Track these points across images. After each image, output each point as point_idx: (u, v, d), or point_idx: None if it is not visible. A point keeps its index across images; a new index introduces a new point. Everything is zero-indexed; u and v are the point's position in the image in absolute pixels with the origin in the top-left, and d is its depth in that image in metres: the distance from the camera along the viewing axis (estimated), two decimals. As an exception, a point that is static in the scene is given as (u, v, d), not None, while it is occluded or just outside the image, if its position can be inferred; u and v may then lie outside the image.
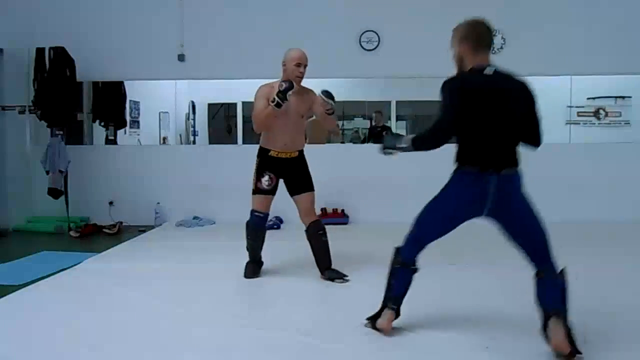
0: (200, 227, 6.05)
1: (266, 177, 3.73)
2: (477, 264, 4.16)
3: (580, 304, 3.18)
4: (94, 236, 5.76)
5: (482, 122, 2.54)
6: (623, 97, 6.81)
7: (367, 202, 6.21)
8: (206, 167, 6.42)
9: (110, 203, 6.31)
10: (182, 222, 6.17)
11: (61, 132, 6.02)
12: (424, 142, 2.63)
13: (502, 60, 6.81)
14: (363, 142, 7.93)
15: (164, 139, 7.87)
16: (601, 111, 6.77)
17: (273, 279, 3.84)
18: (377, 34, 6.25)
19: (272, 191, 3.78)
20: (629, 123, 6.86)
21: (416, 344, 2.67)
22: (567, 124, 6.75)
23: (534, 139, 2.75)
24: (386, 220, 6.00)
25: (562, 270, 2.61)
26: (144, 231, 5.84)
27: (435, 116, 2.62)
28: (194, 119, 8.22)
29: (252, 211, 3.80)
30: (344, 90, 7.68)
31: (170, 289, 3.62)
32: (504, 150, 2.59)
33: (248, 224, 3.84)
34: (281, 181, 3.82)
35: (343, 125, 8.39)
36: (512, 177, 2.61)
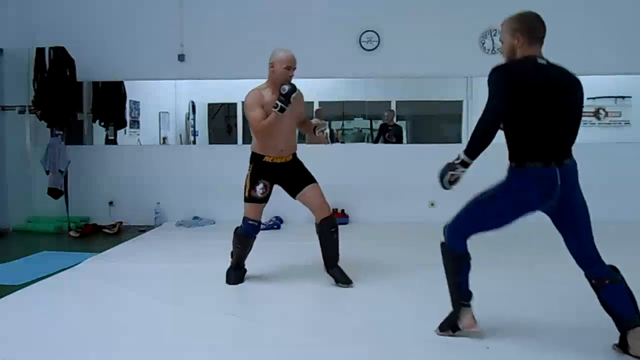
0: (200, 227, 6.05)
1: (261, 185, 3.59)
2: (475, 264, 4.14)
3: (580, 304, 3.18)
4: (94, 236, 5.76)
5: (540, 113, 2.41)
6: (623, 97, 6.81)
7: (367, 202, 6.21)
8: (206, 167, 6.42)
9: (110, 203, 6.31)
10: (182, 222, 6.16)
11: (61, 132, 6.02)
12: (475, 143, 2.46)
13: (502, 60, 6.82)
14: (376, 141, 7.71)
15: (164, 139, 7.87)
16: (601, 111, 6.77)
17: (273, 279, 3.83)
18: (377, 34, 6.25)
19: (265, 199, 3.65)
20: (629, 123, 6.86)
21: (416, 344, 2.67)
22: (567, 124, 6.75)
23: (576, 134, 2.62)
24: (386, 220, 6.01)
25: (616, 269, 2.54)
26: (144, 231, 5.84)
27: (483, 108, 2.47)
28: (194, 119, 8.22)
29: (245, 219, 3.66)
30: (344, 90, 7.71)
31: (170, 289, 3.62)
32: (563, 141, 2.49)
33: (239, 231, 3.70)
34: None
35: (343, 125, 8.39)
36: (572, 167, 2.54)
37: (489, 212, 2.57)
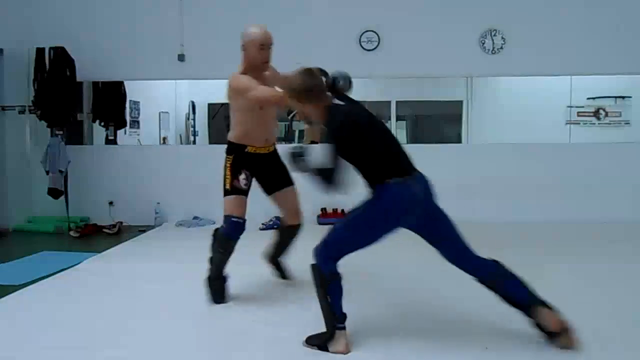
0: (200, 227, 6.05)
1: (243, 175, 3.25)
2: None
3: (580, 304, 3.18)
4: (94, 236, 5.76)
5: (377, 138, 2.60)
6: (623, 97, 6.79)
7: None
8: (206, 167, 6.38)
9: (110, 203, 6.31)
10: (182, 222, 6.17)
11: (61, 132, 6.02)
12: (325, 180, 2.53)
13: (502, 60, 6.87)
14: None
15: (164, 139, 7.85)
16: (601, 111, 6.76)
17: (272, 279, 3.83)
18: (377, 34, 6.25)
19: (247, 192, 3.31)
20: (629, 123, 6.84)
21: (415, 344, 2.67)
22: (567, 124, 6.73)
23: None
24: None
25: (498, 263, 2.65)
26: (144, 231, 5.84)
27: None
28: (194, 119, 8.20)
29: (228, 217, 3.22)
30: (343, 90, 7.69)
31: (170, 289, 3.62)
32: (403, 155, 2.66)
33: (220, 233, 3.27)
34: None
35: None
36: (423, 176, 2.64)
37: (360, 232, 2.57)
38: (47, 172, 5.93)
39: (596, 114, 6.72)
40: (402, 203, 2.52)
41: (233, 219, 3.23)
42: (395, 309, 3.18)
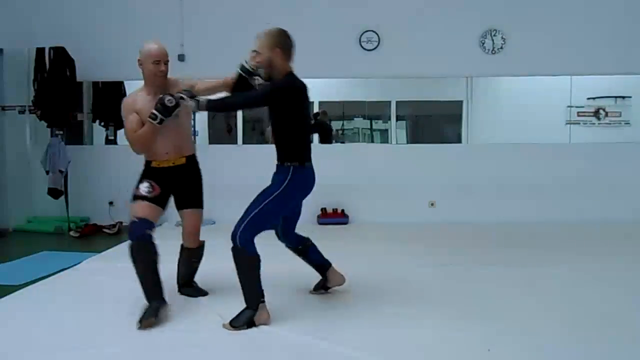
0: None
1: (145, 184, 3.15)
2: (475, 265, 4.16)
3: (580, 304, 3.19)
4: (94, 236, 5.76)
5: (306, 122, 3.12)
6: (623, 97, 6.81)
7: (367, 202, 6.21)
8: (206, 167, 6.36)
9: (110, 203, 6.31)
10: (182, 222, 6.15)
11: (61, 132, 6.02)
12: (224, 107, 3.27)
13: (502, 60, 6.87)
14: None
15: (164, 139, 7.85)
16: (601, 111, 6.77)
17: (272, 279, 3.83)
18: (377, 34, 6.25)
19: (155, 201, 3.15)
20: (629, 123, 6.86)
21: (417, 345, 2.67)
22: (567, 124, 6.75)
23: None
24: (386, 220, 6.01)
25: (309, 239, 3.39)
26: (144, 231, 5.84)
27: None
28: (194, 119, 8.21)
29: (131, 222, 3.06)
30: (344, 90, 7.70)
31: (170, 289, 3.61)
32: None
33: (130, 239, 3.03)
34: None
35: (343, 125, 8.39)
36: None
37: (272, 210, 2.94)
38: (47, 172, 5.94)
39: (596, 114, 6.73)
40: (309, 185, 3.05)
41: (134, 219, 3.08)
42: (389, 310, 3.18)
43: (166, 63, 3.22)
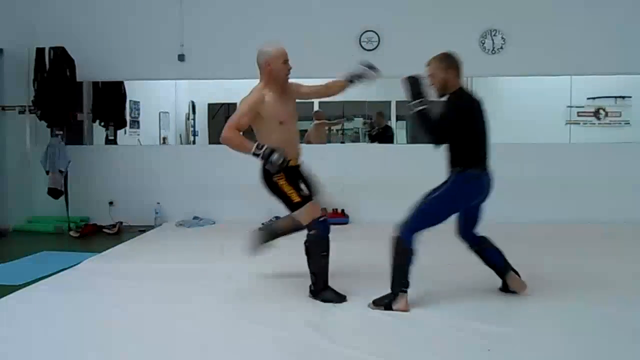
0: (200, 227, 6.05)
1: (303, 185, 3.38)
2: (475, 264, 4.15)
3: (579, 303, 3.18)
4: (94, 236, 5.76)
5: (480, 131, 3.22)
6: (623, 97, 6.81)
7: (367, 202, 6.20)
8: (206, 167, 6.42)
9: (110, 203, 6.31)
10: (182, 222, 6.16)
11: (61, 132, 6.02)
12: (429, 129, 3.15)
13: (502, 60, 6.86)
14: (374, 140, 7.88)
15: (164, 139, 7.87)
16: (601, 111, 6.77)
17: (271, 280, 3.84)
18: (377, 34, 6.25)
19: (312, 197, 3.39)
20: (629, 123, 6.86)
21: (416, 344, 2.67)
22: (567, 124, 6.75)
23: None
24: (386, 220, 5.98)
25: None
26: (144, 231, 5.84)
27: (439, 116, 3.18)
28: (194, 119, 8.22)
29: (313, 222, 3.28)
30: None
31: (170, 289, 3.62)
32: (488, 153, 3.28)
33: (317, 235, 3.30)
34: None
35: (343, 125, 8.39)
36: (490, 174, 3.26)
37: (442, 209, 3.15)
38: (47, 172, 5.93)
39: (596, 114, 6.73)
40: (478, 190, 3.19)
41: (319, 219, 3.32)
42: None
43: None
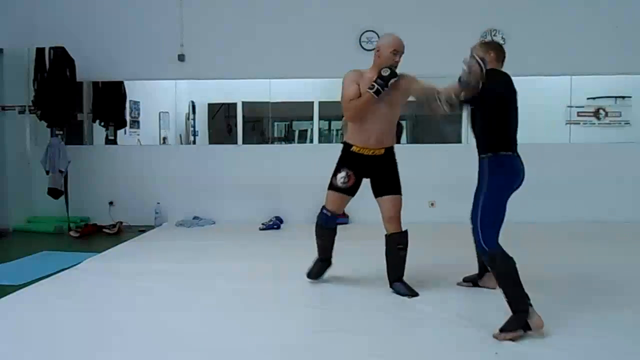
0: (200, 227, 6.05)
1: (343, 174, 3.42)
2: (475, 264, 4.15)
3: (579, 303, 3.18)
4: (94, 236, 5.76)
5: (513, 113, 3.11)
6: (623, 97, 6.79)
7: (367, 202, 6.17)
8: (206, 167, 6.43)
9: (110, 203, 6.32)
10: (182, 222, 6.17)
11: (61, 132, 6.03)
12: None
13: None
14: None
15: (164, 139, 7.85)
16: (601, 111, 6.75)
17: (271, 280, 3.83)
18: (377, 34, 6.24)
19: (348, 191, 3.46)
20: (629, 123, 6.84)
21: (420, 347, 2.67)
22: (567, 124, 6.73)
23: None
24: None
25: None
26: (144, 231, 5.84)
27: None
28: (194, 119, 8.20)
29: (322, 207, 3.55)
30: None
31: (171, 289, 3.62)
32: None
33: (317, 220, 3.58)
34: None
35: (343, 125, 8.38)
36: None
37: (499, 201, 2.88)
38: (47, 172, 5.94)
39: (596, 114, 6.72)
40: (516, 169, 3.04)
41: (324, 211, 3.53)
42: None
43: (401, 55, 3.44)
